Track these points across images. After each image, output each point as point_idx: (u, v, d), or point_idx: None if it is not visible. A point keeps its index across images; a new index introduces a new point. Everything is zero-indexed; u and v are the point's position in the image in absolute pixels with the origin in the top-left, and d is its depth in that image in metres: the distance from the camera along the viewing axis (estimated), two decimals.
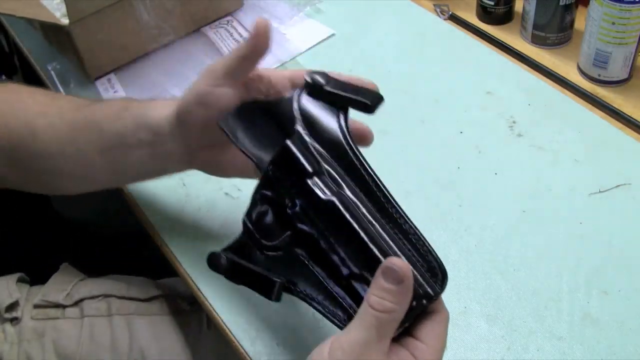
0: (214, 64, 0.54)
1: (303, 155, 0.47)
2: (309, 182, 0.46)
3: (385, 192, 0.47)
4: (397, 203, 0.47)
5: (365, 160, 0.48)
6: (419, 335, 0.44)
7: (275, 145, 0.49)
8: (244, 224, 0.49)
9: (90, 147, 0.59)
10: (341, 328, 0.45)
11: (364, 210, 0.46)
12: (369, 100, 0.48)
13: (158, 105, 0.57)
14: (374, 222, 0.46)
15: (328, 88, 0.49)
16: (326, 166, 0.48)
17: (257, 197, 0.49)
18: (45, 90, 0.65)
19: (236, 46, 0.52)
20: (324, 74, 0.50)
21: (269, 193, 0.48)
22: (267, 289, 0.47)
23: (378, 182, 0.47)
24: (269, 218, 0.48)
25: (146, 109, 0.57)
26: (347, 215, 0.45)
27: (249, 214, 0.49)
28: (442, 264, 0.45)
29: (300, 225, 0.47)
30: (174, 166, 0.60)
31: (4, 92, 0.63)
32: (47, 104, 0.61)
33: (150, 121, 0.56)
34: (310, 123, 0.50)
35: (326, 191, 0.46)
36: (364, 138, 0.54)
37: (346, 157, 0.48)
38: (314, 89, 0.50)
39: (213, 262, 0.49)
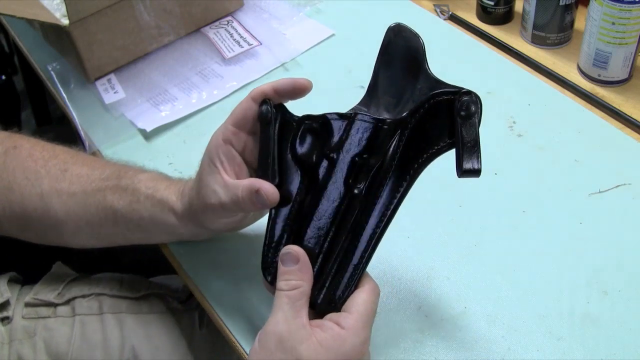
0: (220, 190, 0.53)
1: (374, 143, 0.49)
2: (352, 160, 0.50)
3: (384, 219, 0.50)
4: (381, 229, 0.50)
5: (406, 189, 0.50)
6: (343, 308, 0.49)
7: (386, 104, 0.53)
8: (304, 118, 0.53)
9: (106, 228, 0.61)
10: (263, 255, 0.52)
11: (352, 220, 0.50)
12: (463, 164, 0.47)
13: (166, 210, 0.58)
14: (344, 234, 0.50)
15: (460, 120, 0.47)
16: (390, 166, 0.50)
17: (330, 116, 0.52)
18: (56, 152, 0.66)
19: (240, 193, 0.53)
20: (477, 108, 0.47)
21: (338, 124, 0.51)
22: (265, 169, 0.52)
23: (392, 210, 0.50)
24: (310, 141, 0.52)
25: (162, 208, 0.58)
26: (332, 214, 0.50)
27: (309, 116, 0.53)
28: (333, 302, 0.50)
29: (319, 171, 0.51)
30: (197, 238, 0.63)
31: (19, 156, 0.64)
32: (59, 179, 0.62)
33: (163, 224, 0.59)
34: (425, 120, 0.49)
35: (355, 183, 0.50)
36: (303, 89, 0.55)
37: (408, 172, 0.50)
38: (460, 110, 0.47)
39: (262, 104, 0.53)
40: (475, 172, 0.47)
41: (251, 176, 0.55)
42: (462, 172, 0.47)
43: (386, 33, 0.54)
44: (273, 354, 0.46)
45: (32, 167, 0.63)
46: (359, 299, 0.49)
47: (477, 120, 0.47)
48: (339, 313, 0.49)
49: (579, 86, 0.77)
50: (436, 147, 0.49)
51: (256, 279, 0.62)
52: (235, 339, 0.58)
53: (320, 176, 0.51)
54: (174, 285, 0.76)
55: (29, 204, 0.62)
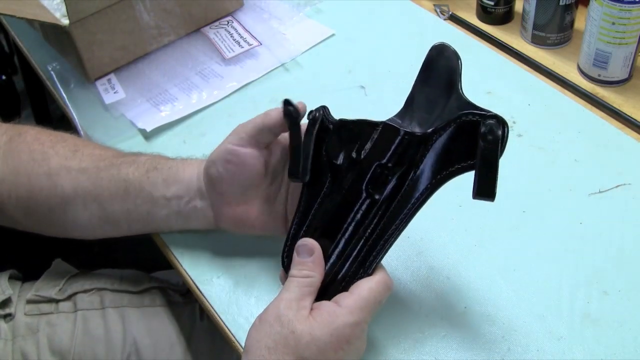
0: (243, 124, 0.57)
1: (398, 154, 0.51)
2: (375, 167, 0.51)
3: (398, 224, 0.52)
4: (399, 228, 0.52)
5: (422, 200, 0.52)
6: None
7: (420, 119, 0.54)
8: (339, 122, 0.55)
9: (114, 203, 0.61)
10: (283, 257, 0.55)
11: (370, 221, 0.52)
12: (479, 187, 0.48)
13: (187, 164, 0.61)
14: (363, 233, 0.52)
15: (483, 143, 0.47)
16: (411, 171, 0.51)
17: (364, 123, 0.53)
18: (64, 137, 0.66)
19: (266, 114, 0.57)
20: (502, 134, 0.48)
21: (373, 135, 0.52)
22: (296, 166, 0.55)
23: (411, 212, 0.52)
24: (340, 144, 0.54)
25: (177, 168, 0.60)
26: (351, 216, 0.52)
27: (344, 121, 0.54)
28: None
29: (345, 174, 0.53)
30: (199, 223, 0.62)
31: (25, 141, 0.64)
32: (68, 157, 0.62)
33: (179, 178, 0.59)
34: (450, 138, 0.50)
35: (375, 190, 0.51)
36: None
37: (425, 186, 0.51)
38: (484, 133, 0.48)
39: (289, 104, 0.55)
40: (490, 197, 0.48)
41: None
42: (476, 194, 0.48)
43: (429, 51, 0.55)
44: (270, 327, 0.48)
45: (39, 149, 0.63)
46: (364, 285, 0.50)
47: (499, 145, 0.48)
48: (340, 294, 0.50)
49: (579, 86, 0.77)
50: (457, 166, 0.50)
51: (255, 277, 0.62)
52: (234, 337, 0.58)
53: (344, 178, 0.53)
54: (173, 279, 0.77)
55: (35, 183, 0.61)
